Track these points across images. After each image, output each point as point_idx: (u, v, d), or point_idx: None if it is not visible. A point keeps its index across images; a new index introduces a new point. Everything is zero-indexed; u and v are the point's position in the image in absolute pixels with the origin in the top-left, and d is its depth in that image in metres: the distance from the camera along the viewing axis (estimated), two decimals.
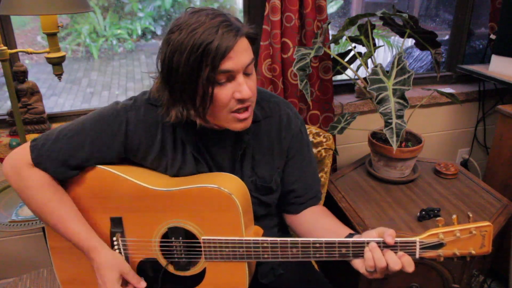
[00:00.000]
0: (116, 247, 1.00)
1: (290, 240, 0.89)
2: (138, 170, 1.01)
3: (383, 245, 0.84)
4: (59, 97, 3.98)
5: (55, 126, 1.64)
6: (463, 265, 1.36)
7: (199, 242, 0.95)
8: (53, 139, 0.96)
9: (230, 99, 0.87)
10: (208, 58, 0.81)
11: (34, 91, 1.58)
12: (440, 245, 0.83)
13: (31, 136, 1.54)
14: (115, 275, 0.94)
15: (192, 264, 0.99)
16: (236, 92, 0.86)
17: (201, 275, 0.98)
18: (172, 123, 0.95)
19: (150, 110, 0.97)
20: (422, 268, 1.36)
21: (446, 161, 1.70)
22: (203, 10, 0.85)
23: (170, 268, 1.00)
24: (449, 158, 2.22)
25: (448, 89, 2.04)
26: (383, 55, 3.21)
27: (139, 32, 3.44)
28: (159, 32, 3.24)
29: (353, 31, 1.62)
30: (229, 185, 0.93)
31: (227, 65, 0.83)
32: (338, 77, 2.01)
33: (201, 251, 0.95)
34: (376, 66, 1.36)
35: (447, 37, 2.26)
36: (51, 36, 1.34)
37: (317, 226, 1.04)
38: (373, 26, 1.54)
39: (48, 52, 1.36)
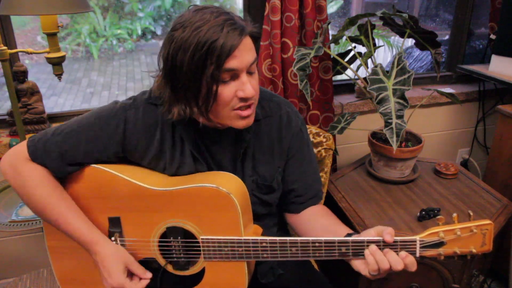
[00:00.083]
0: None
1: (289, 240, 0.89)
2: (136, 169, 1.01)
3: (383, 244, 0.84)
4: (59, 97, 3.98)
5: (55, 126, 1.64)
6: (463, 265, 1.36)
7: (198, 242, 0.95)
8: (50, 134, 0.97)
9: (233, 97, 0.87)
10: (213, 56, 0.81)
11: (34, 91, 1.58)
12: (440, 244, 0.83)
13: None
14: (120, 266, 0.93)
15: (191, 263, 0.99)
16: (239, 90, 0.86)
17: (200, 275, 0.98)
18: (172, 122, 0.95)
19: (150, 110, 0.97)
20: (422, 268, 1.36)
21: (446, 161, 1.70)
22: (207, 8, 0.85)
23: (169, 268, 1.00)
24: (449, 158, 2.22)
25: (448, 89, 2.04)
26: (383, 55, 3.21)
27: (139, 32, 3.44)
28: (159, 32, 3.24)
29: (353, 31, 1.62)
30: (228, 185, 0.92)
31: (231, 63, 0.83)
32: (338, 77, 2.01)
33: (200, 250, 0.95)
34: (376, 66, 1.36)
35: (447, 37, 2.26)
36: (51, 36, 1.34)
37: (317, 225, 1.03)
38: (373, 26, 1.54)
39: (48, 52, 1.36)
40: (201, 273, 0.98)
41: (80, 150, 0.96)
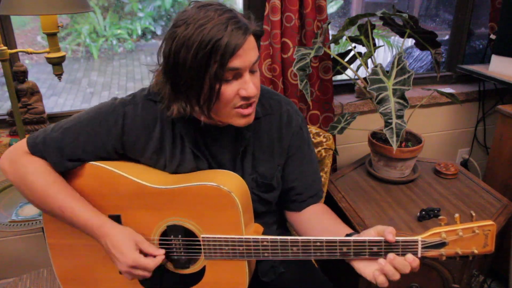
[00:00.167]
0: None
1: (291, 239, 0.89)
2: (137, 167, 1.01)
3: (385, 245, 0.84)
4: (59, 97, 3.98)
5: None
6: (463, 265, 1.36)
7: (199, 240, 0.95)
8: (49, 130, 0.97)
9: (235, 96, 0.87)
10: (216, 55, 0.80)
11: (34, 91, 1.58)
12: (442, 244, 0.82)
13: None
14: (132, 244, 0.92)
15: (191, 262, 0.98)
16: (242, 89, 0.86)
17: (201, 273, 0.98)
18: (172, 119, 0.95)
19: (149, 106, 0.97)
20: (422, 268, 1.35)
21: (446, 161, 1.70)
22: (210, 5, 0.84)
23: (170, 266, 1.00)
24: (449, 158, 2.22)
25: (448, 89, 2.04)
26: (383, 55, 3.21)
27: (139, 32, 3.44)
28: (159, 32, 3.24)
29: (353, 31, 1.62)
30: (228, 183, 0.92)
31: (235, 63, 0.82)
32: (338, 77, 2.01)
33: (200, 249, 0.95)
34: (376, 66, 1.36)
35: (447, 37, 2.26)
36: (51, 36, 1.34)
37: (318, 224, 1.03)
38: (373, 26, 1.54)
39: (48, 52, 1.36)
40: (202, 271, 0.98)
41: (79, 145, 0.96)
